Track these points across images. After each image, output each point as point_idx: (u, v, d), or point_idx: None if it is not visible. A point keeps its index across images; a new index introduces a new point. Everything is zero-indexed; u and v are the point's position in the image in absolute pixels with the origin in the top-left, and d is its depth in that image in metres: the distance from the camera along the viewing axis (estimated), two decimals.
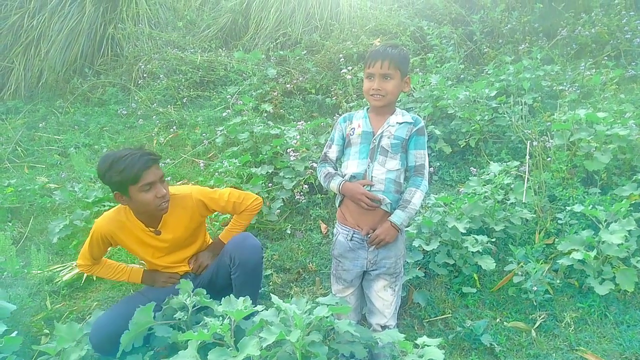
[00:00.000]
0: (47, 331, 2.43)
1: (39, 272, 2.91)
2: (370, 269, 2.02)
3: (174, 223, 2.18)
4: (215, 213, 2.68)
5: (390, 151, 1.95)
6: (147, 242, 2.20)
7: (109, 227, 2.15)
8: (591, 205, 2.53)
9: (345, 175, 2.02)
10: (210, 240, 2.48)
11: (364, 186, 1.94)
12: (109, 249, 2.29)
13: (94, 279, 2.95)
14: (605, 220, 2.40)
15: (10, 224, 3.59)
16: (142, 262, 2.46)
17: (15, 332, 1.88)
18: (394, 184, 1.96)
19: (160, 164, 2.08)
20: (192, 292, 2.05)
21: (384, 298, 2.02)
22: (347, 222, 2.03)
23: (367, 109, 2.08)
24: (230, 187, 3.02)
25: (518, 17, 4.55)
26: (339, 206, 2.10)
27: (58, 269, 3.03)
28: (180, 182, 3.77)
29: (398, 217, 1.93)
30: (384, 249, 1.98)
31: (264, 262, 2.21)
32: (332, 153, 2.11)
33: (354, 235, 2.00)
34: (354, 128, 2.03)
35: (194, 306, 2.01)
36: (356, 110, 2.12)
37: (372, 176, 1.95)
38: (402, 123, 1.98)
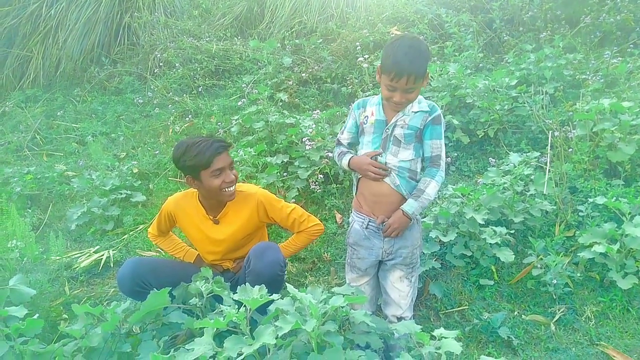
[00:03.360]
0: (66, 316, 2.47)
1: (57, 258, 2.96)
2: (386, 259, 1.99)
3: (233, 216, 2.23)
4: None
5: (403, 141, 1.90)
6: (204, 230, 2.27)
7: (174, 207, 2.29)
8: (614, 197, 2.46)
9: None
10: None
11: (371, 157, 1.92)
12: (174, 227, 2.41)
13: (111, 265, 2.99)
14: (629, 213, 2.34)
15: (30, 211, 3.65)
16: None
17: (37, 315, 1.91)
18: (407, 171, 1.92)
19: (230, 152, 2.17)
20: (212, 280, 2.08)
21: (400, 289, 2.00)
22: (363, 210, 2.01)
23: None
24: (252, 181, 3.00)
25: (539, 4, 4.42)
26: (355, 194, 2.07)
27: (76, 256, 3.08)
28: None
29: (410, 206, 1.89)
30: (400, 239, 1.95)
31: (284, 276, 2.16)
32: (344, 139, 2.09)
33: (369, 223, 1.98)
34: (367, 116, 1.98)
35: (209, 293, 2.02)
36: (371, 96, 2.06)
37: (385, 163, 1.92)
38: (417, 112, 1.91)
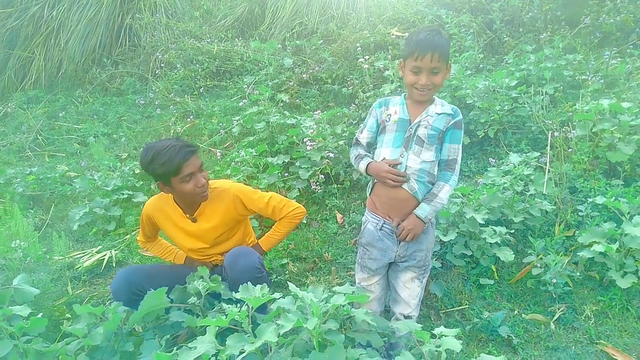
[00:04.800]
0: (69, 315, 2.49)
1: (60, 258, 2.98)
2: (399, 261, 1.99)
3: (210, 214, 2.24)
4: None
5: (426, 142, 1.89)
6: (184, 228, 2.28)
7: (152, 209, 2.29)
8: (614, 197, 2.47)
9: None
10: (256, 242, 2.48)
11: (390, 165, 1.90)
12: (158, 230, 2.41)
13: (114, 265, 3.01)
14: (628, 213, 2.35)
15: (32, 211, 3.67)
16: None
17: (40, 314, 1.93)
18: (427, 174, 1.91)
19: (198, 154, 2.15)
20: (209, 278, 2.10)
21: (411, 289, 2.00)
22: (378, 211, 1.99)
23: (405, 95, 2.00)
24: (248, 181, 3.02)
25: (539, 5, 4.44)
26: (369, 194, 2.05)
27: (78, 256, 3.10)
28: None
29: (423, 210, 1.89)
30: (415, 242, 1.95)
31: (264, 275, 2.14)
32: (363, 138, 2.06)
33: (384, 224, 1.96)
34: (390, 114, 1.96)
35: (207, 291, 2.05)
36: (393, 95, 2.04)
37: (406, 165, 1.90)
38: (441, 114, 1.91)
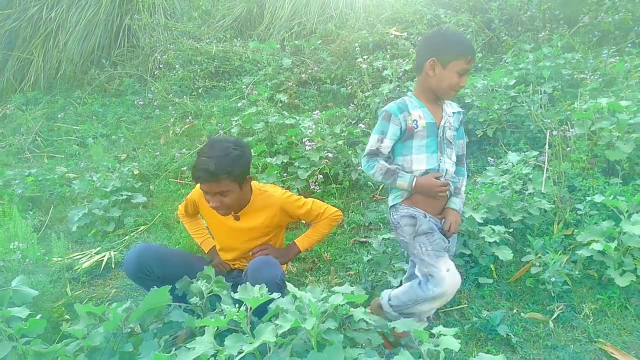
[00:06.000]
0: (68, 317, 2.49)
1: (59, 259, 2.97)
2: None
3: (254, 216, 2.27)
4: None
5: (452, 142, 1.96)
6: (225, 222, 2.30)
7: (199, 196, 2.32)
8: (612, 196, 2.47)
9: (415, 171, 1.92)
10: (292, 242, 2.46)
11: (435, 178, 1.92)
12: (199, 213, 2.47)
13: (113, 266, 3.01)
14: (627, 211, 2.35)
15: (31, 213, 3.67)
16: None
17: (39, 316, 1.93)
18: (454, 173, 2.02)
19: (226, 180, 2.03)
20: (213, 280, 2.10)
21: None
22: (417, 205, 1.97)
23: (414, 97, 1.95)
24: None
25: (538, 4, 4.44)
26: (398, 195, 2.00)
27: (78, 257, 3.10)
28: None
29: (456, 204, 2.00)
30: (454, 236, 2.05)
31: (283, 291, 2.09)
32: (386, 148, 1.93)
33: (429, 216, 1.98)
34: (416, 120, 1.89)
35: (209, 293, 2.04)
36: (402, 100, 1.96)
37: (445, 169, 1.94)
38: (455, 112, 1.99)
